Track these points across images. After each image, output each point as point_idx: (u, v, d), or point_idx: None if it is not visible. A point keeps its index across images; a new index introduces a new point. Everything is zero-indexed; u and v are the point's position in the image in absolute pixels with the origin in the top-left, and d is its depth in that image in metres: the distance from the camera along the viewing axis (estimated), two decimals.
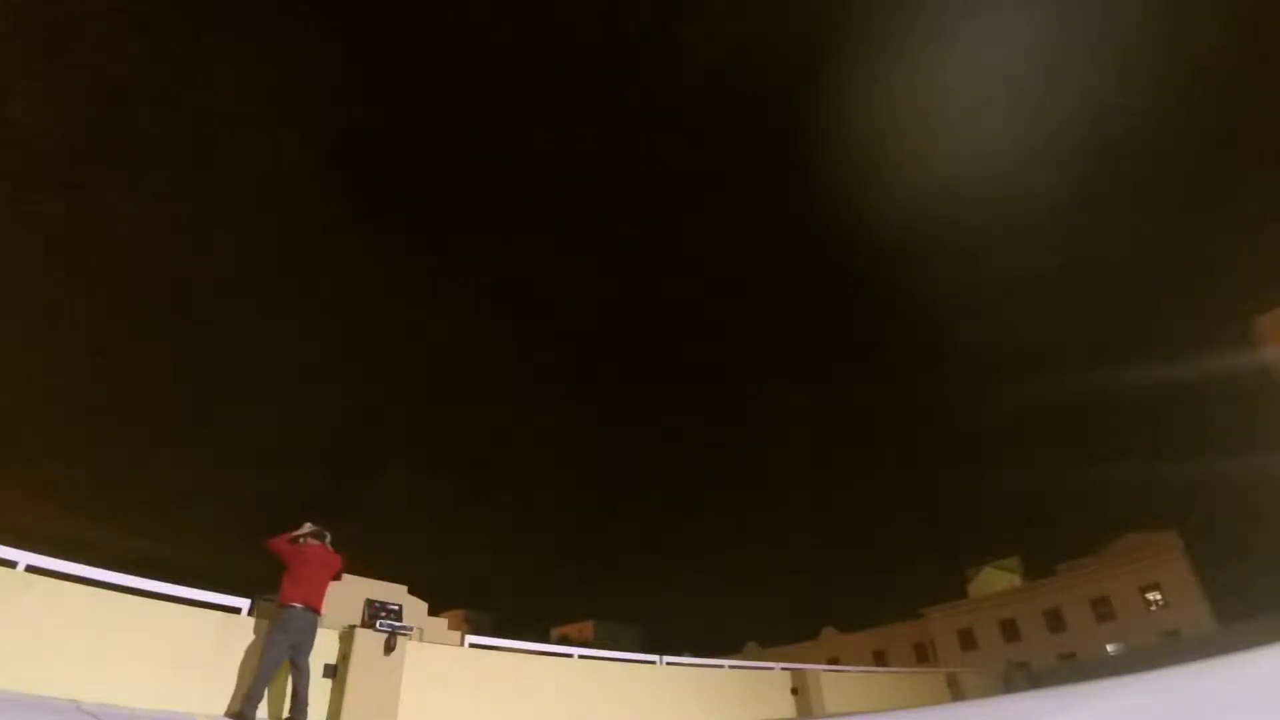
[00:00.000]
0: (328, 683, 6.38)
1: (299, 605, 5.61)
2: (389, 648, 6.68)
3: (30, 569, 5.02)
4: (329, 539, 6.29)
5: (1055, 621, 38.09)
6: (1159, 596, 35.06)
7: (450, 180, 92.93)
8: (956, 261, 76.32)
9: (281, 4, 75.42)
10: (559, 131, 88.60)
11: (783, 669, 13.43)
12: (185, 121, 72.97)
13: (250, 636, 5.92)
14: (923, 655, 42.56)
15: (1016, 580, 43.11)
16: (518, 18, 77.70)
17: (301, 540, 6.06)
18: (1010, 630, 39.63)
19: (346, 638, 6.62)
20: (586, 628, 53.83)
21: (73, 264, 69.00)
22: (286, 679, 5.70)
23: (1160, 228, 64.36)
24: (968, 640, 41.16)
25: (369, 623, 6.72)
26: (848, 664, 32.13)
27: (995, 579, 43.98)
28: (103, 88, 66.09)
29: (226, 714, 5.46)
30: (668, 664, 10.79)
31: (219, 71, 72.77)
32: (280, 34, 74.75)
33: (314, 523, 6.26)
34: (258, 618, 6.07)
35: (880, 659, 43.52)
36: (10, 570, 4.93)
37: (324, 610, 5.94)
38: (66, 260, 68.62)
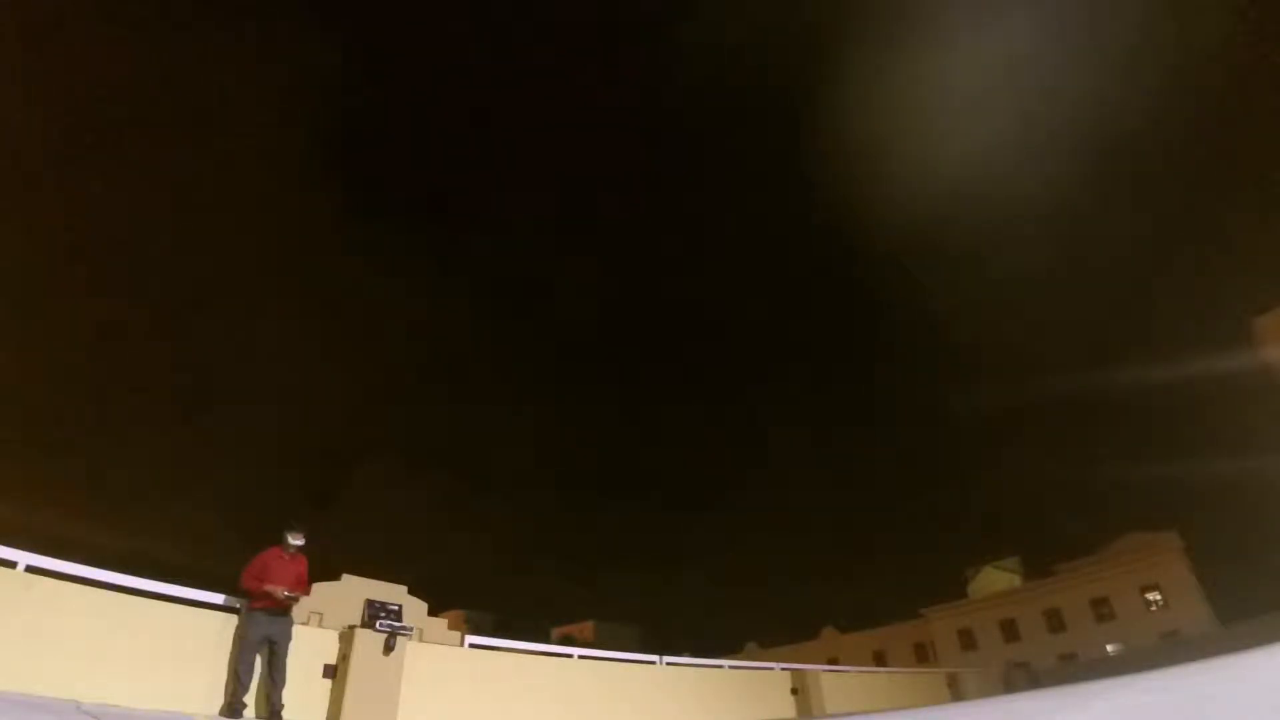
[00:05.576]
0: (328, 683, 6.39)
1: (267, 605, 5.72)
2: (389, 648, 6.69)
3: (30, 569, 5.02)
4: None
5: (1055, 621, 38.08)
6: (1159, 597, 35.05)
7: (450, 178, 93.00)
8: (956, 261, 76.39)
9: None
10: (559, 130, 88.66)
11: (783, 669, 13.43)
12: (182, 117, 73.02)
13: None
14: (923, 655, 42.54)
15: (1016, 580, 43.07)
16: (518, 16, 77.77)
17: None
18: (1010, 630, 39.63)
19: (346, 638, 6.62)
20: (586, 628, 53.78)
21: (70, 263, 69.03)
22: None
23: (1160, 228, 64.39)
24: (968, 640, 41.16)
25: (369, 623, 6.71)
26: (848, 664, 32.13)
27: (995, 579, 43.95)
28: (98, 84, 66.13)
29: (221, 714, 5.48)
30: (668, 664, 10.78)
31: (217, 67, 72.81)
32: (279, 29, 74.82)
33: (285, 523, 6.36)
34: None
35: (880, 659, 43.49)
36: (10, 570, 4.93)
37: (297, 606, 6.05)
38: (64, 259, 68.66)
